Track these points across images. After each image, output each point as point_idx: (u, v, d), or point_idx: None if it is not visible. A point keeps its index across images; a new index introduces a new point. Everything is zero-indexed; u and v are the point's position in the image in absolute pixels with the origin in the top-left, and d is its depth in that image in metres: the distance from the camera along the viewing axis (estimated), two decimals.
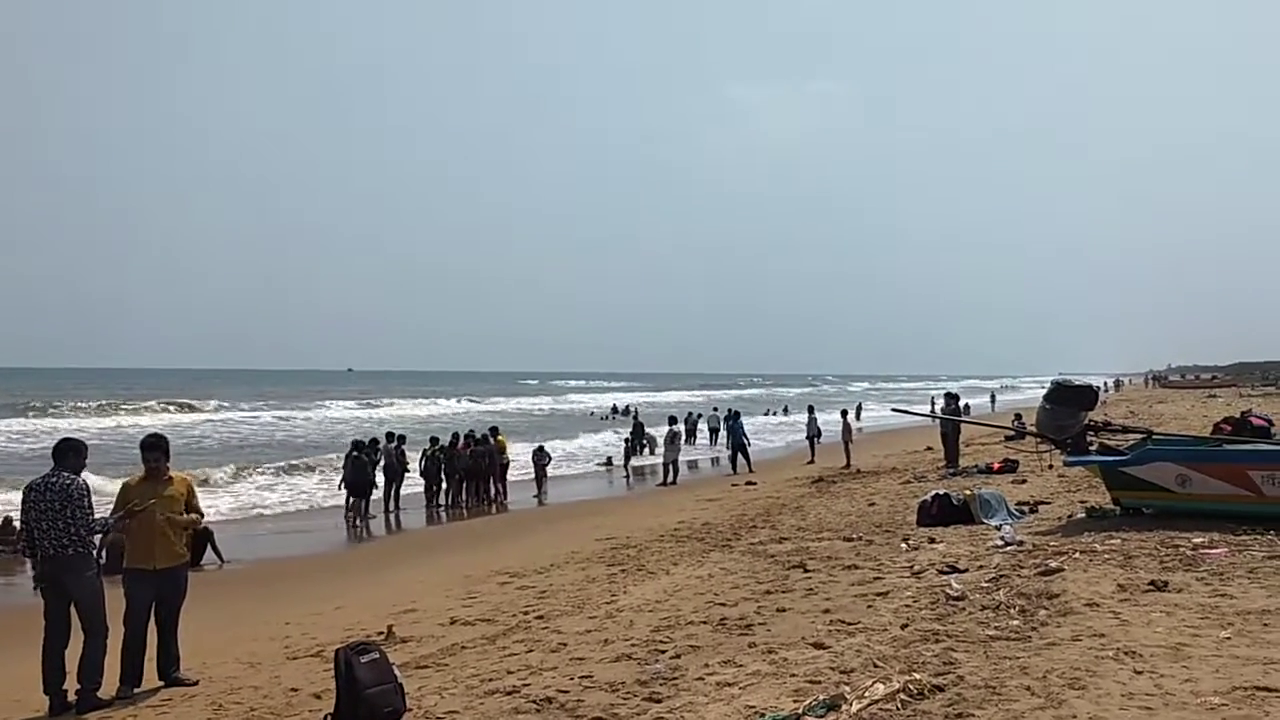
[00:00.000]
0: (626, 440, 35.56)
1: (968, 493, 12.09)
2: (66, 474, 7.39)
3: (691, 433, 40.26)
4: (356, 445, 21.31)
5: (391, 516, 20.72)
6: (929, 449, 25.71)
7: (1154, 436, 11.38)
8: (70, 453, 7.54)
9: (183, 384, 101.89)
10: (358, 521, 19.68)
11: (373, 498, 20.60)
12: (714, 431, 40.27)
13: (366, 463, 20.56)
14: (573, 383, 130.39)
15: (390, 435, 22.72)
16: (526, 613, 9.16)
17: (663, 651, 6.83)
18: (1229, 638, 5.56)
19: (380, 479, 21.06)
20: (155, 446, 7.76)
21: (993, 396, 77.84)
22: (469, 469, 22.71)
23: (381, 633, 8.65)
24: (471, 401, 75.25)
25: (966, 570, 8.44)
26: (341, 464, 21.14)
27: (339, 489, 20.74)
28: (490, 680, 6.55)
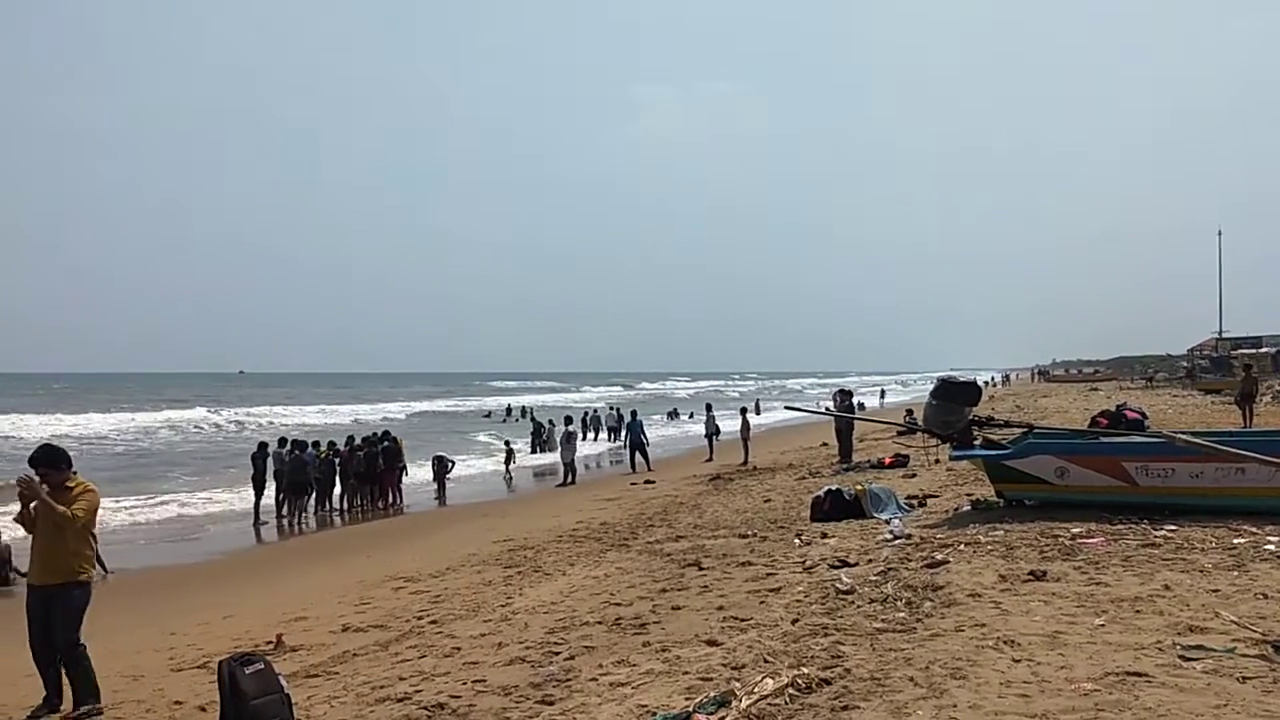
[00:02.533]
0: (507, 444, 35.53)
1: (859, 488, 12.32)
2: None
3: (597, 430, 40.37)
4: (296, 444, 21.27)
5: (285, 522, 20.23)
6: (824, 445, 26.18)
7: (1035, 430, 11.77)
8: None
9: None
10: (296, 521, 19.83)
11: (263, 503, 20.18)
12: (612, 430, 40.40)
13: (307, 462, 20.51)
14: (497, 383, 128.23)
15: (283, 440, 22.17)
16: (420, 618, 9.05)
17: (557, 653, 6.82)
18: (1103, 625, 5.78)
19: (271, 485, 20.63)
20: None
21: (881, 393, 79.90)
22: (361, 473, 22.27)
23: (270, 641, 8.45)
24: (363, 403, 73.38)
25: (856, 564, 8.61)
26: (258, 464, 20.65)
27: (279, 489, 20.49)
28: (381, 688, 6.45)
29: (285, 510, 20.59)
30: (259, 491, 20.36)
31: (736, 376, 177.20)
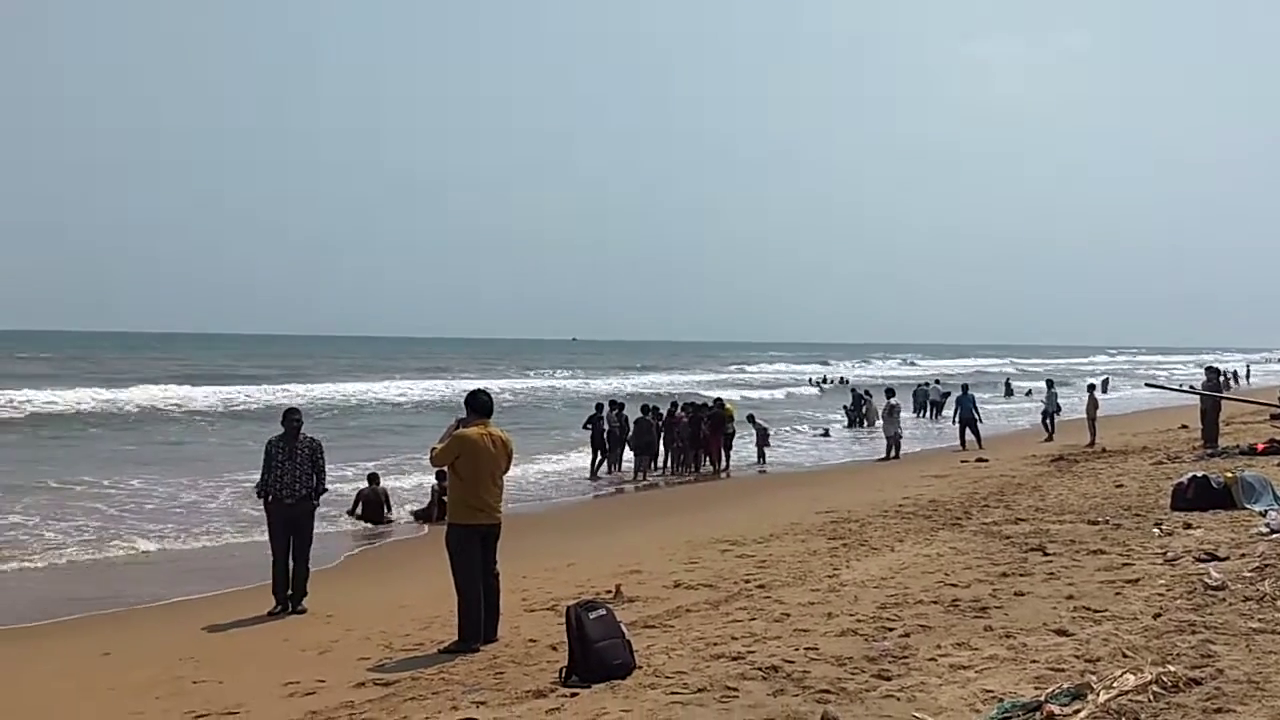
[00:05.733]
0: (846, 409, 35.09)
1: (1229, 475, 11.14)
2: None
3: (923, 406, 38.98)
4: (644, 408, 22.55)
5: (621, 480, 21.32)
6: (1183, 427, 23.91)
7: None
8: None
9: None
10: (635, 480, 20.99)
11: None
12: (936, 405, 38.91)
13: (652, 424, 21.65)
14: (772, 354, 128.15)
15: (613, 403, 23.29)
16: (748, 581, 9.17)
17: (890, 629, 6.67)
18: None
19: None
20: None
21: (1247, 370, 70.47)
22: (689, 437, 22.91)
23: (610, 591, 8.89)
24: (666, 373, 75.15)
25: (1227, 558, 7.83)
26: (597, 425, 21.82)
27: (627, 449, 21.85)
28: (715, 645, 6.60)
29: (610, 469, 21.71)
30: (598, 451, 21.55)
31: (1110, 353, 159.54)
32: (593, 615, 6.26)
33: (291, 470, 9.80)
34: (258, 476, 10.06)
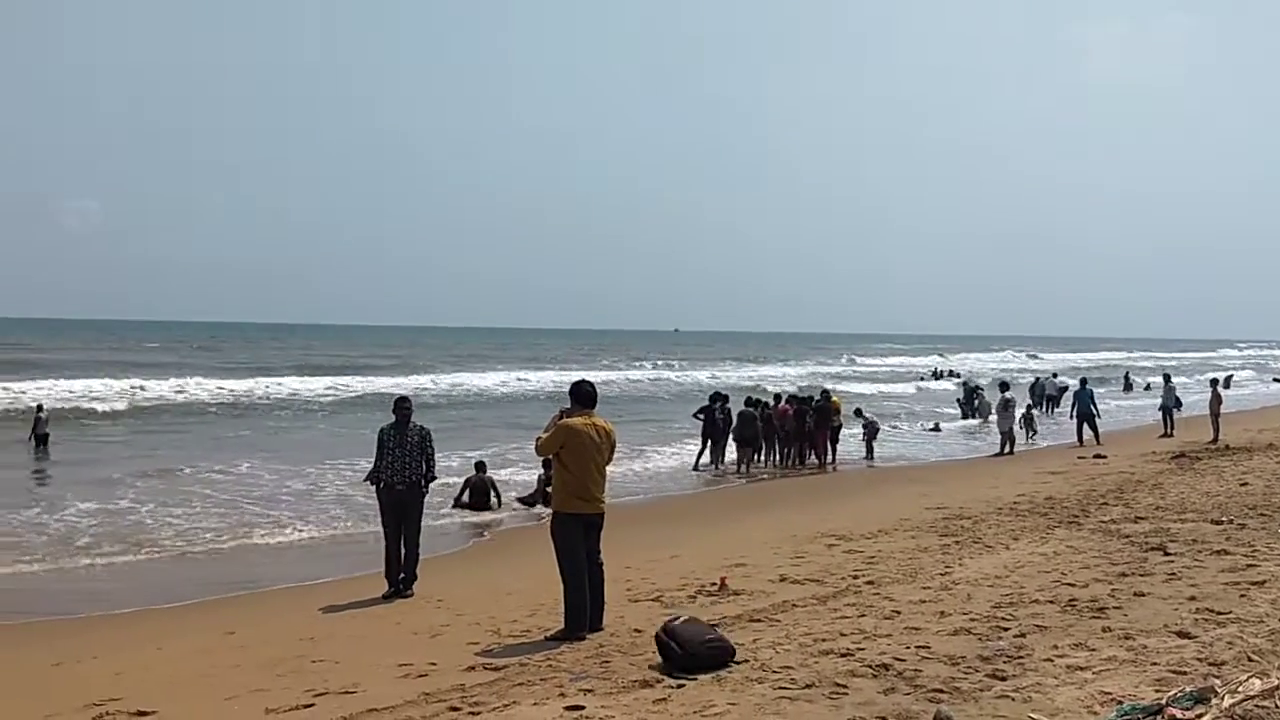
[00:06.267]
0: (958, 403, 34.35)
1: None
2: None
3: (1040, 401, 37.85)
4: (747, 400, 22.41)
5: (724, 472, 21.25)
6: None
7: None
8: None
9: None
10: (738, 473, 20.85)
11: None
12: (1051, 400, 37.79)
13: (754, 416, 21.48)
14: (894, 345, 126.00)
15: (716, 395, 23.24)
16: (856, 577, 9.07)
17: (1005, 629, 6.54)
18: None
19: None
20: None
21: None
22: (794, 430, 22.72)
23: (714, 584, 8.90)
24: (790, 364, 74.70)
25: None
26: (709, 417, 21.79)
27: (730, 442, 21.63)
28: (823, 640, 6.55)
29: (713, 461, 21.53)
30: (707, 442, 21.53)
31: (1238, 346, 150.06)
32: (676, 622, 6.39)
33: (401, 457, 10.07)
34: (369, 464, 10.37)
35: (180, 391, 35.45)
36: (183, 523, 14.13)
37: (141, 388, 35.53)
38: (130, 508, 15.08)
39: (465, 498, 15.84)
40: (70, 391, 33.09)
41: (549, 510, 10.95)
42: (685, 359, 75.71)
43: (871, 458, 23.64)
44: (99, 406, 30.99)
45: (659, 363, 69.28)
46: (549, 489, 10.98)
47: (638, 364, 67.37)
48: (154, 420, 29.37)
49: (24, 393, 31.30)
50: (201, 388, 36.83)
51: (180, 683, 7.00)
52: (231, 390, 37.04)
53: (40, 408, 24.33)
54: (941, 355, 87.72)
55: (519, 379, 47.99)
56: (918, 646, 6.23)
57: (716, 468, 21.53)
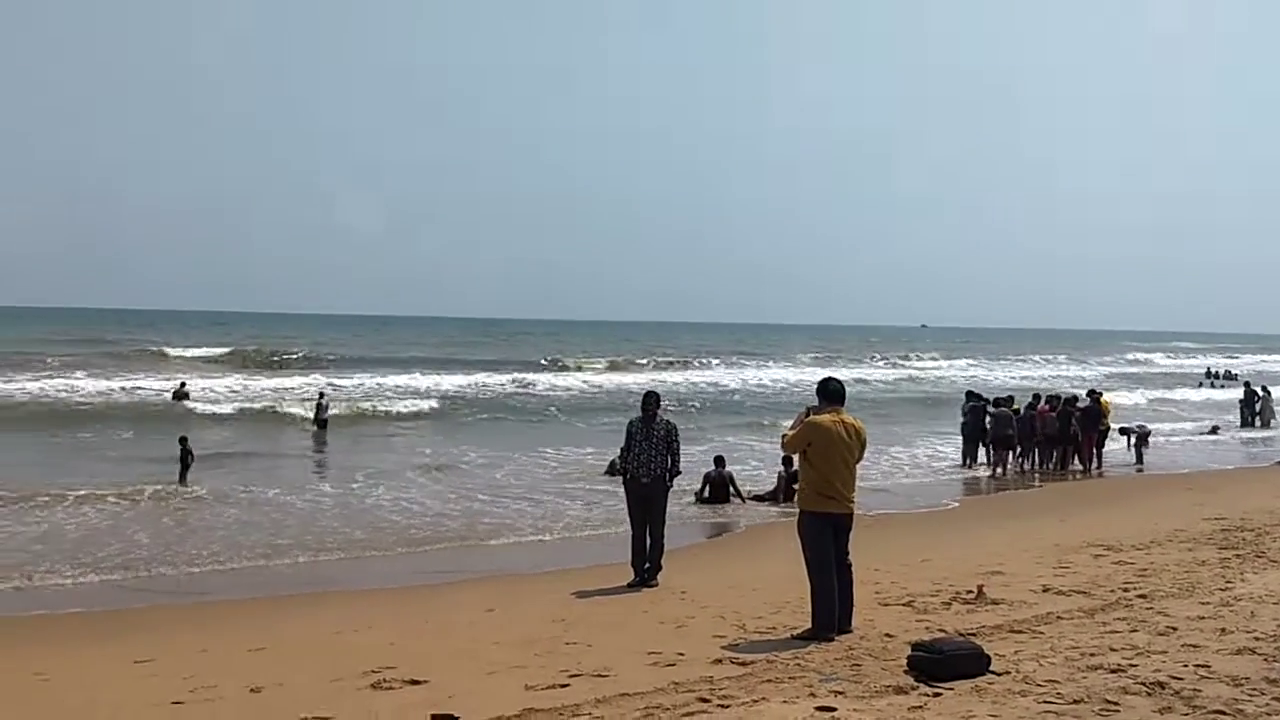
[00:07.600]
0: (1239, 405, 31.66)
1: None
2: None
3: None
4: (996, 401, 21.62)
5: (980, 475, 20.54)
6: None
7: None
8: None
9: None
10: (995, 476, 20.21)
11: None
12: None
13: (1010, 417, 20.74)
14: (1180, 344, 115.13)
15: (970, 394, 22.40)
16: (1126, 590, 8.52)
17: None
18: None
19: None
20: None
21: None
22: (1053, 434, 21.46)
23: (971, 591, 8.55)
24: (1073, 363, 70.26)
25: None
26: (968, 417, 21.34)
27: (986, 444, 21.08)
28: (1091, 655, 6.19)
29: (968, 463, 21.05)
30: (972, 444, 21.05)
31: None
32: (932, 639, 6.32)
33: (648, 450, 10.31)
34: (612, 456, 10.77)
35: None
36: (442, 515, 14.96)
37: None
38: (419, 499, 16.09)
39: (705, 492, 16.02)
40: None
41: (785, 507, 10.93)
42: (990, 356, 72.71)
43: (1141, 463, 22.07)
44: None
45: (909, 360, 67.14)
46: (793, 485, 10.94)
47: (887, 361, 65.71)
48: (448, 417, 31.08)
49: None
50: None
51: (447, 655, 7.44)
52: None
53: (321, 394, 26.73)
54: (1234, 357, 79.32)
55: (763, 375, 48.25)
56: (1196, 665, 5.82)
57: (971, 468, 20.81)
